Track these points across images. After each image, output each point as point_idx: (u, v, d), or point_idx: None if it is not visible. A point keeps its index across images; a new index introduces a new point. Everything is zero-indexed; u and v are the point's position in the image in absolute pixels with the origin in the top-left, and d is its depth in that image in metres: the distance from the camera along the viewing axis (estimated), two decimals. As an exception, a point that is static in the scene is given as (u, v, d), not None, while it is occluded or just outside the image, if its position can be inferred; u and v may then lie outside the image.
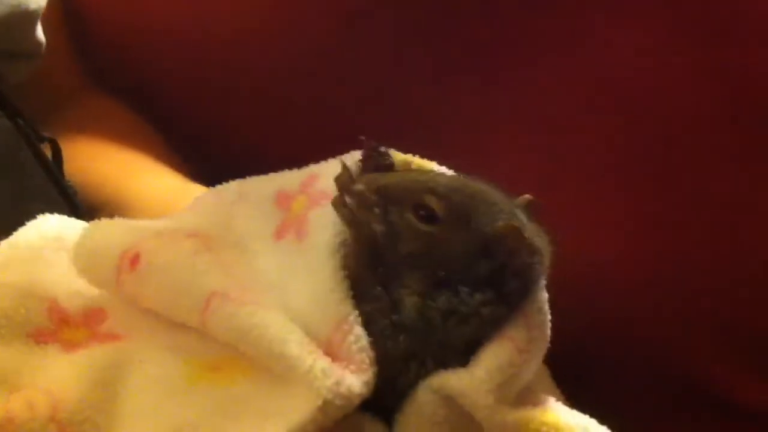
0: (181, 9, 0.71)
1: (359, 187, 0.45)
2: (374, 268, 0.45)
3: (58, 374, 0.44)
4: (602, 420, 0.46)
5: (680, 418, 0.61)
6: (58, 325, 0.46)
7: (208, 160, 0.70)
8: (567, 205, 0.61)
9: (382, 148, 0.48)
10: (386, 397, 0.44)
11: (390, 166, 0.48)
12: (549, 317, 0.46)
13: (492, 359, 0.43)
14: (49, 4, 0.66)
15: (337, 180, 0.46)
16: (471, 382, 0.43)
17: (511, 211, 0.46)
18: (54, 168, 0.61)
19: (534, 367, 0.45)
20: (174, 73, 0.72)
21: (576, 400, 0.50)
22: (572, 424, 0.44)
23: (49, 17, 0.66)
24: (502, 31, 0.63)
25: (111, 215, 0.61)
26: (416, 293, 0.44)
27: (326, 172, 0.48)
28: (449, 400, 0.43)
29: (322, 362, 0.41)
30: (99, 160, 0.69)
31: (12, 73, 0.65)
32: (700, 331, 0.59)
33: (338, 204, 0.45)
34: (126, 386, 0.43)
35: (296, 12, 0.68)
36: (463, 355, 0.44)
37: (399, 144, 0.51)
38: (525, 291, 0.45)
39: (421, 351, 0.44)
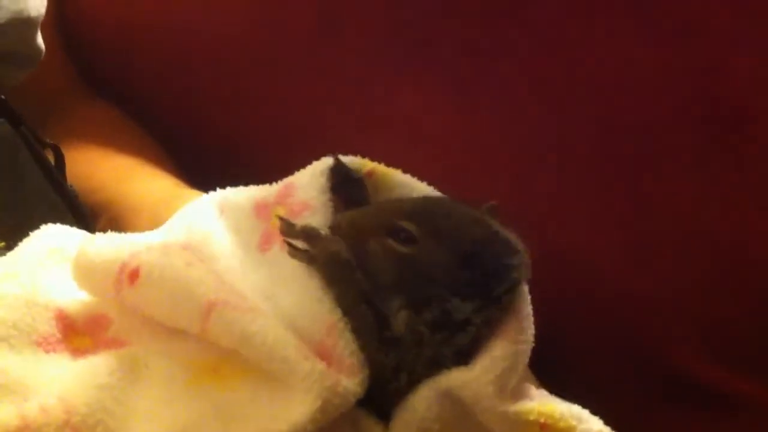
0: (167, 9, 0.73)
1: (337, 220, 0.48)
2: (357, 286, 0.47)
3: (69, 380, 0.46)
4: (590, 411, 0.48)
5: (666, 409, 0.62)
6: (64, 333, 0.48)
7: (198, 162, 0.71)
8: (543, 200, 0.63)
9: (349, 162, 0.50)
10: (378, 399, 0.46)
11: (358, 181, 0.51)
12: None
13: (488, 355, 0.45)
14: (42, 10, 0.67)
15: (280, 232, 0.48)
16: (472, 375, 0.45)
17: (484, 219, 0.48)
18: (56, 173, 0.63)
19: (525, 359, 0.47)
20: (160, 76, 0.74)
21: (563, 390, 0.53)
22: (567, 415, 0.46)
23: (42, 23, 0.66)
24: (475, 32, 0.64)
25: (109, 220, 0.63)
26: (404, 308, 0.46)
27: (301, 183, 0.50)
28: (444, 398, 0.45)
29: (320, 365, 0.43)
30: (95, 165, 0.70)
31: (10, 78, 0.66)
32: (683, 322, 0.60)
33: (295, 255, 0.47)
34: (134, 390, 0.45)
35: (278, 9, 0.69)
36: (453, 362, 0.46)
37: (377, 140, 0.53)
38: (511, 290, 0.47)
39: (411, 363, 0.46)
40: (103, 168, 0.70)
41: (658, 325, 0.60)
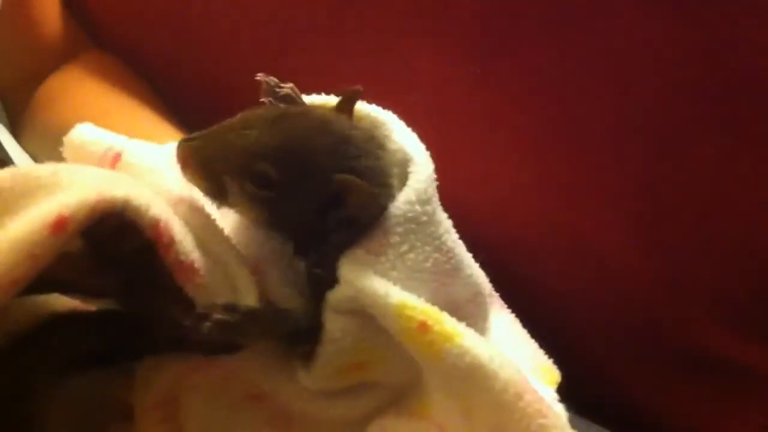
0: None
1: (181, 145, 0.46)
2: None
3: None
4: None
5: (683, 384, 0.62)
6: None
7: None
8: (559, 173, 0.63)
9: (277, 82, 0.49)
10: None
11: (286, 97, 0.49)
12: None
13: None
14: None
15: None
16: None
17: (342, 147, 0.46)
18: None
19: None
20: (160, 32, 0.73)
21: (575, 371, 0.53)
22: (452, 323, 0.45)
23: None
24: (495, 5, 0.63)
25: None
26: (297, 257, 0.47)
27: None
28: (344, 314, 0.46)
29: None
30: (95, 111, 0.69)
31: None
32: (700, 299, 0.60)
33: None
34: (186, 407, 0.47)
35: None
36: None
37: (395, 111, 0.52)
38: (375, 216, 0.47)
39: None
40: (107, 121, 0.69)
41: (676, 302, 0.60)
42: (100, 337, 0.47)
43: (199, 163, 0.46)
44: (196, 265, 0.44)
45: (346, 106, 0.49)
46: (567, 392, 0.51)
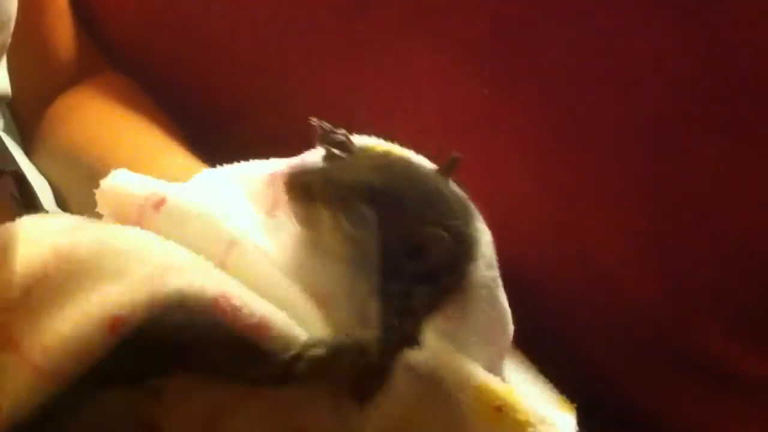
0: None
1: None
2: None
3: None
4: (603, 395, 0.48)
5: (683, 388, 0.62)
6: None
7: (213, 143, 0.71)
8: (562, 178, 0.63)
9: (331, 128, 0.50)
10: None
11: (342, 144, 0.50)
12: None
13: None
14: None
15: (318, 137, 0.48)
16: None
17: (439, 202, 0.47)
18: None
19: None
20: (180, 61, 0.73)
21: (574, 376, 0.53)
22: (529, 411, 0.46)
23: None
24: (502, 7, 0.63)
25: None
26: (372, 297, 0.46)
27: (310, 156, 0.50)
28: (418, 377, 0.46)
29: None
30: (108, 137, 0.69)
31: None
32: (702, 303, 0.60)
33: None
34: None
35: None
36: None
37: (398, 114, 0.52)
38: (460, 278, 0.48)
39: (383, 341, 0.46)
40: (125, 146, 0.69)
41: (676, 303, 0.60)
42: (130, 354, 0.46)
43: (300, 186, 0.47)
44: (264, 321, 0.44)
45: (446, 173, 0.50)
46: (567, 392, 0.52)
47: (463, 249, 0.47)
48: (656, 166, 0.60)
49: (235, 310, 0.44)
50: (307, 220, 0.48)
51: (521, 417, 0.45)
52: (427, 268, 0.46)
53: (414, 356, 0.46)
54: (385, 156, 0.49)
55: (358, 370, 0.45)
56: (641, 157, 0.61)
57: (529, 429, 0.45)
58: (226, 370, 0.45)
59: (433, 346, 0.46)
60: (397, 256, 0.46)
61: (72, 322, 0.41)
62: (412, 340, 0.46)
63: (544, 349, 0.56)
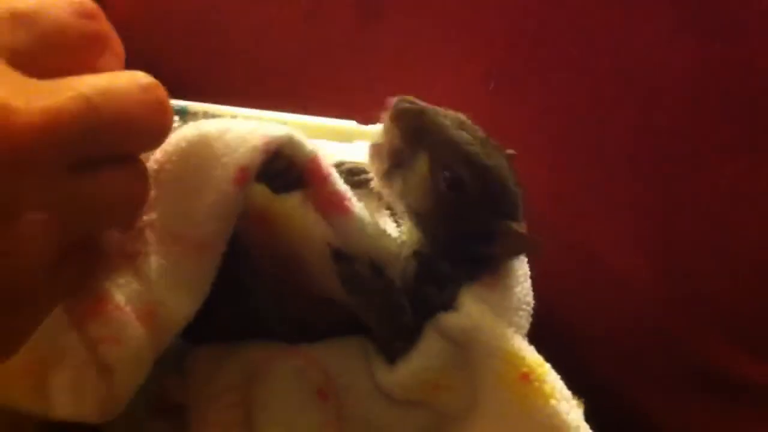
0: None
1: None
2: None
3: None
4: (605, 399, 0.49)
5: (696, 400, 0.62)
6: None
7: None
8: (576, 192, 0.63)
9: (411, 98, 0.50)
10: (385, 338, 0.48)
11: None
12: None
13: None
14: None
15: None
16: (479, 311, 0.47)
17: (517, 190, 0.49)
18: None
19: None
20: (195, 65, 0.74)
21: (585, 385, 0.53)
22: (552, 377, 0.46)
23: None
24: (516, 19, 0.64)
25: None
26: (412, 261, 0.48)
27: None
28: (447, 340, 0.47)
29: None
30: None
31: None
32: (714, 316, 0.60)
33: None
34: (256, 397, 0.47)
35: None
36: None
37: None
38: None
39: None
40: None
41: (688, 320, 0.61)
42: None
43: (409, 126, 0.48)
44: (348, 194, 0.46)
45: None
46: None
47: (521, 245, 0.48)
48: (670, 184, 0.61)
49: (328, 173, 0.46)
50: (401, 160, 0.48)
51: (547, 388, 0.45)
52: (494, 253, 0.48)
53: (449, 319, 0.47)
54: (486, 135, 0.50)
55: (399, 327, 0.47)
56: (656, 175, 0.61)
57: (552, 401, 0.45)
58: None
59: (469, 308, 0.46)
60: (469, 237, 0.48)
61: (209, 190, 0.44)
62: (447, 305, 0.47)
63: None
